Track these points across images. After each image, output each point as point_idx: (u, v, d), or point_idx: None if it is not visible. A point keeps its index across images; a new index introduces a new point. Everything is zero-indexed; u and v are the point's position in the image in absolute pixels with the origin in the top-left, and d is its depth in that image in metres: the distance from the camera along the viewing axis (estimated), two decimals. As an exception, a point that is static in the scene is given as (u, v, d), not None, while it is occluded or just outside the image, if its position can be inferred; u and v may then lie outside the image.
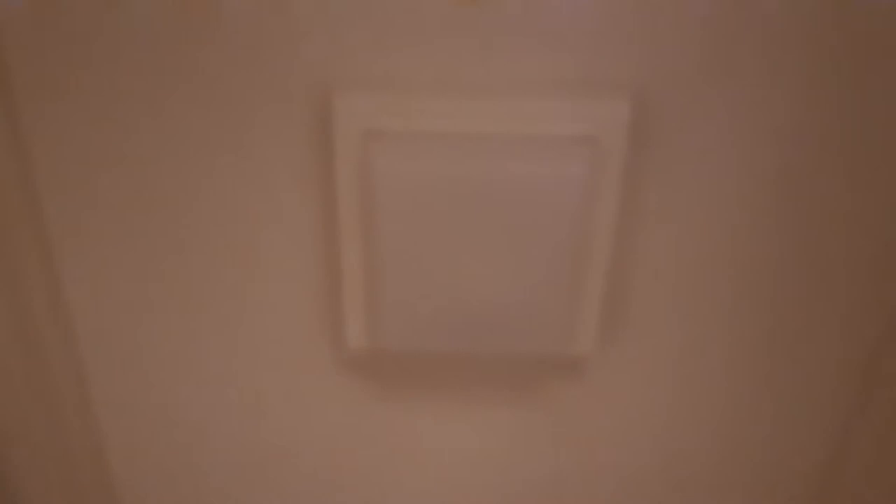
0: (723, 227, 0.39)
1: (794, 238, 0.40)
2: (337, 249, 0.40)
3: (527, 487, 0.50)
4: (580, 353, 0.42)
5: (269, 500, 0.51)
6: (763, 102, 0.36)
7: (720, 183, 0.38)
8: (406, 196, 0.36)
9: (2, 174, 0.38)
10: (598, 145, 0.35)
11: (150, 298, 0.42)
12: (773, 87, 0.35)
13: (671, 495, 0.50)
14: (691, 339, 0.43)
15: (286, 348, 0.44)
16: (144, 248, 0.41)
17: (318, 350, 0.44)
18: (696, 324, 0.43)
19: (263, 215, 0.39)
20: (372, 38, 0.35)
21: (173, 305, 0.43)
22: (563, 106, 0.35)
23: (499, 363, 0.45)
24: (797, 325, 0.43)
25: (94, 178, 0.39)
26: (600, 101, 0.35)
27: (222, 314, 0.43)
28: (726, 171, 0.38)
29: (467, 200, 0.36)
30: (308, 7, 0.34)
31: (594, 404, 0.46)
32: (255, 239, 0.40)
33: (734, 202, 0.39)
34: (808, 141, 0.37)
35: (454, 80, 0.35)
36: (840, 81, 0.35)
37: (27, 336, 0.43)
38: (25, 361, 0.44)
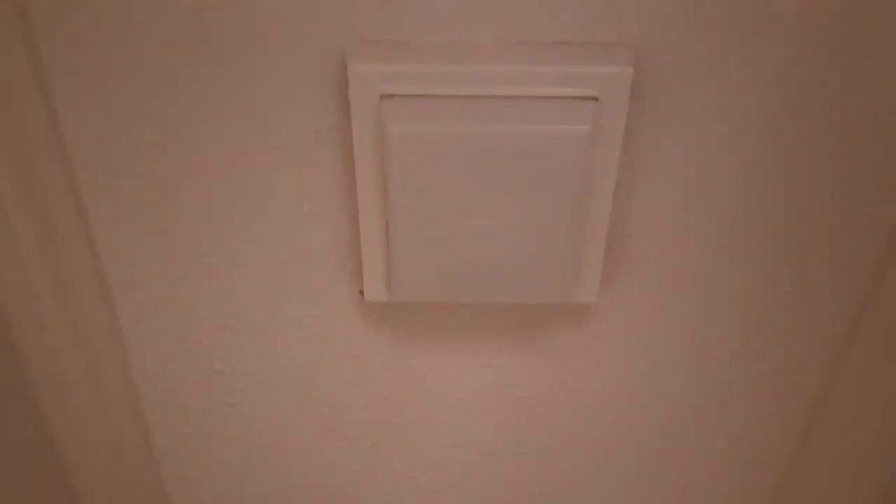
0: (718, 177, 0.41)
1: (788, 185, 0.41)
2: (355, 208, 0.42)
3: (532, 429, 0.53)
4: (584, 302, 0.45)
5: (288, 437, 0.54)
6: (757, 58, 0.37)
7: (715, 135, 0.40)
8: (419, 157, 0.38)
9: (36, 139, 0.40)
10: (602, 105, 0.37)
11: (181, 256, 0.44)
12: (767, 43, 0.37)
13: (672, 436, 0.53)
14: (689, 284, 0.45)
15: (310, 300, 0.46)
16: (175, 208, 0.42)
17: (338, 300, 0.46)
18: (693, 268, 0.45)
19: (286, 176, 0.41)
20: (384, 4, 0.36)
21: (204, 263, 0.45)
22: (568, 68, 0.37)
23: (507, 311, 0.47)
24: (793, 268, 0.45)
25: (123, 147, 0.40)
26: (604, 62, 0.37)
27: (248, 271, 0.45)
28: (721, 124, 0.39)
29: (476, 160, 0.38)
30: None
31: (598, 349, 0.48)
32: (280, 199, 0.42)
33: (729, 153, 0.40)
34: (800, 94, 0.38)
35: (463, 46, 0.37)
36: (830, 35, 0.37)
37: (64, 290, 0.45)
38: (62, 312, 0.46)
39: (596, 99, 0.37)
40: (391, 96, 0.37)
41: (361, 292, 0.45)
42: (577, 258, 0.42)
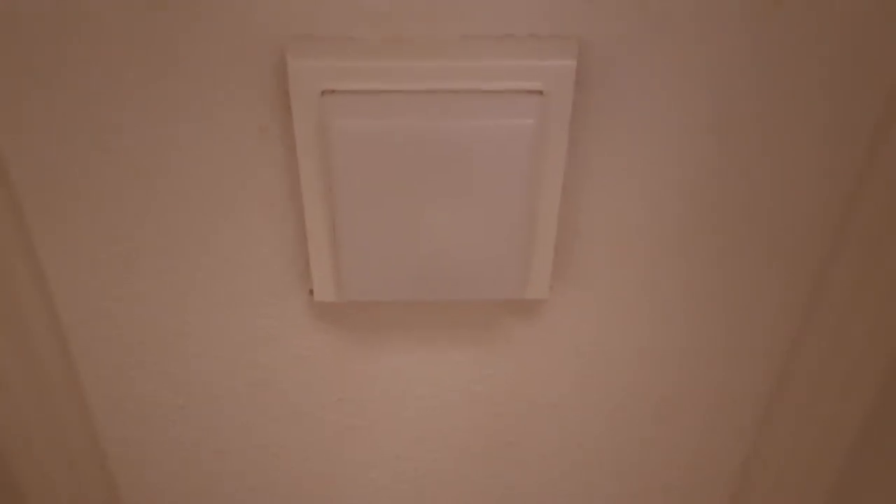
0: (665, 169, 0.41)
1: (737, 178, 0.42)
2: (301, 206, 0.41)
3: (491, 424, 0.53)
4: (535, 298, 0.44)
5: (242, 442, 0.53)
6: (702, 48, 0.37)
7: (661, 129, 0.40)
8: (363, 154, 0.37)
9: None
10: (546, 98, 0.37)
11: (125, 263, 0.43)
12: (711, 32, 0.37)
13: (625, 427, 0.53)
14: (640, 277, 0.45)
15: (261, 300, 0.45)
16: (117, 215, 0.41)
17: (289, 300, 0.45)
18: (643, 262, 0.45)
19: (231, 175, 0.40)
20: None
21: (150, 267, 0.44)
22: (512, 62, 0.36)
23: (459, 307, 0.47)
24: (743, 262, 0.45)
25: (60, 150, 0.39)
26: (548, 56, 0.36)
27: (196, 273, 0.44)
28: (669, 116, 0.39)
29: (421, 156, 0.37)
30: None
31: (551, 344, 0.48)
32: (225, 198, 0.41)
33: (675, 146, 0.40)
34: (748, 82, 0.38)
35: (405, 41, 0.36)
36: (775, 19, 0.37)
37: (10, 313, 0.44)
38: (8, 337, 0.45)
39: (541, 93, 0.37)
40: (332, 92, 0.36)
41: (311, 292, 0.44)
42: (528, 253, 0.42)
